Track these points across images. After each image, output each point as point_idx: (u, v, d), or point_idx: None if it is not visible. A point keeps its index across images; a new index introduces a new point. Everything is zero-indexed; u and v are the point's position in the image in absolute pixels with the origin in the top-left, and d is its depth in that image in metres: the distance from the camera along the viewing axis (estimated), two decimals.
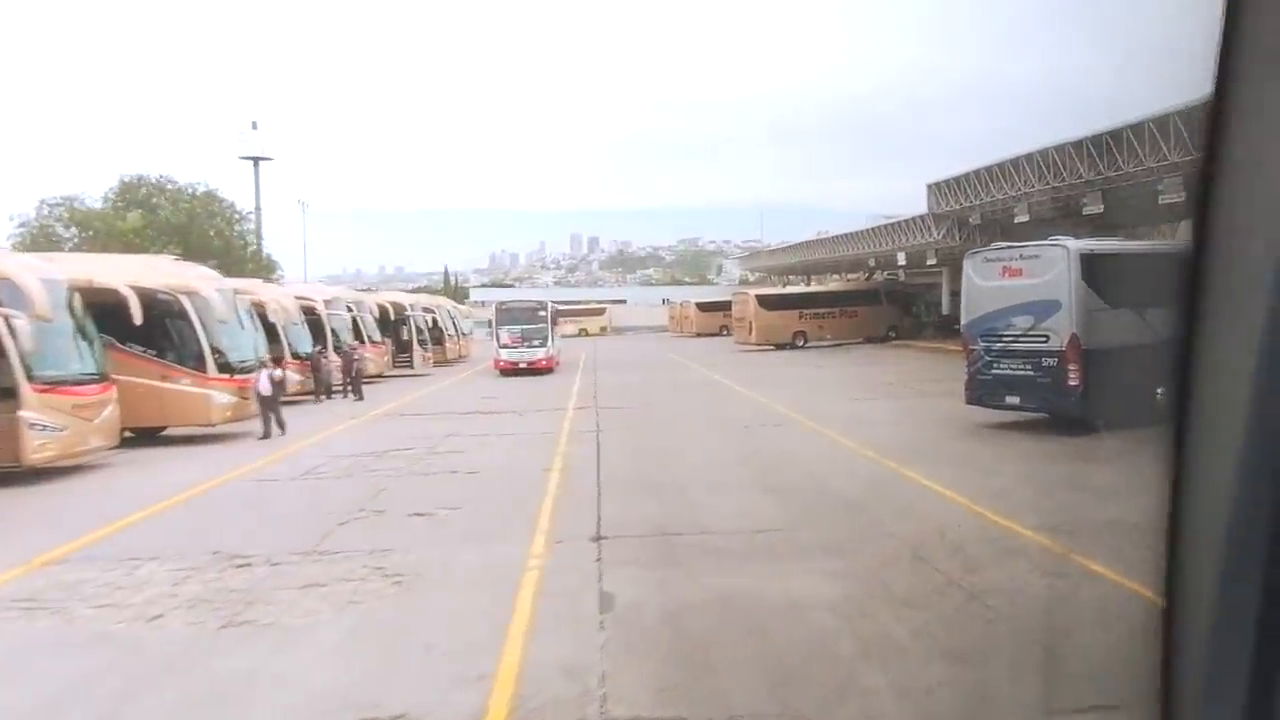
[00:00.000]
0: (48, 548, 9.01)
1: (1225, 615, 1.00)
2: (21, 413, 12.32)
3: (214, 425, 16.41)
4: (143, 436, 16.89)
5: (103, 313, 15.12)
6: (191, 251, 40.94)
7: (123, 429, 16.18)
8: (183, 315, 16.11)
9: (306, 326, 25.42)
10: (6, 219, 55.12)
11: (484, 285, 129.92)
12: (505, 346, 32.91)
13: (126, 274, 16.08)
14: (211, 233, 43.03)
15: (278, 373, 16.25)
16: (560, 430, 17.15)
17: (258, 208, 71.53)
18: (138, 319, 15.04)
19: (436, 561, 8.22)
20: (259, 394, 16.51)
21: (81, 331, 14.12)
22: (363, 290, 42.51)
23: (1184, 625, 1.13)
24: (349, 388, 25.30)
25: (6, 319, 11.39)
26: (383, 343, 32.36)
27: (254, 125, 78.25)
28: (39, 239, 39.57)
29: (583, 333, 78.43)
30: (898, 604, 6.73)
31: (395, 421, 19.65)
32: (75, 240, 40.31)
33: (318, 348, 25.00)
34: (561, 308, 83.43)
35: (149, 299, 15.85)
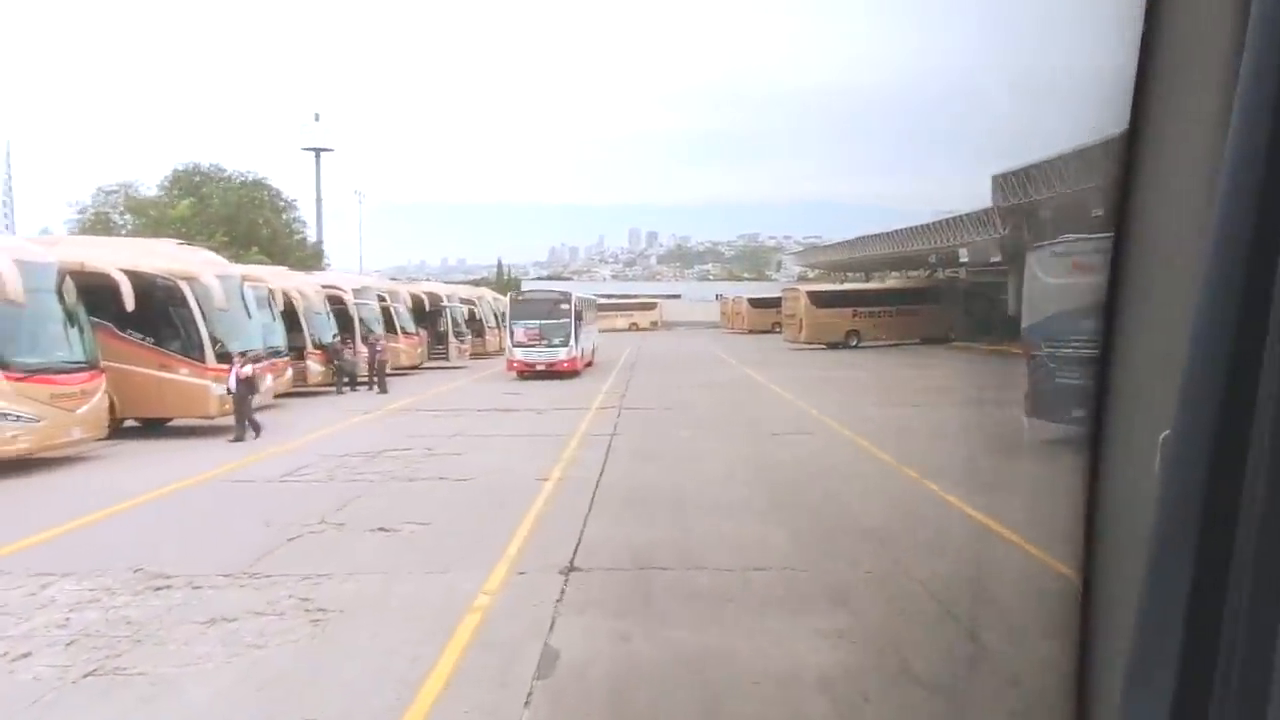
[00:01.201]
0: None
1: (1150, 608, 0.96)
2: None
3: (213, 418, 15.67)
4: (148, 427, 16.29)
5: (101, 298, 14.50)
6: (238, 239, 41.10)
7: (123, 419, 15.65)
8: (182, 302, 15.38)
9: (332, 316, 24.75)
10: (65, 205, 56.34)
11: (542, 278, 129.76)
12: (520, 344, 27.90)
13: (125, 258, 15.42)
14: (260, 221, 43.02)
15: (247, 369, 15.09)
16: (574, 432, 15.97)
17: (318, 199, 72.36)
18: (129, 304, 14.33)
19: (372, 593, 7.10)
20: (228, 390, 15.37)
21: (69, 317, 13.44)
22: (418, 281, 42.19)
23: (1104, 618, 1.21)
24: (374, 380, 24.56)
25: None
26: (416, 334, 31.66)
27: (316, 117, 79.42)
28: (95, 225, 40.04)
29: (633, 327, 77.38)
30: (913, 684, 5.35)
31: (406, 418, 18.73)
32: (130, 227, 40.66)
33: (337, 337, 24.28)
34: (612, 301, 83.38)
35: (147, 284, 15.18)
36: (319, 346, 23.50)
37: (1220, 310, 0.88)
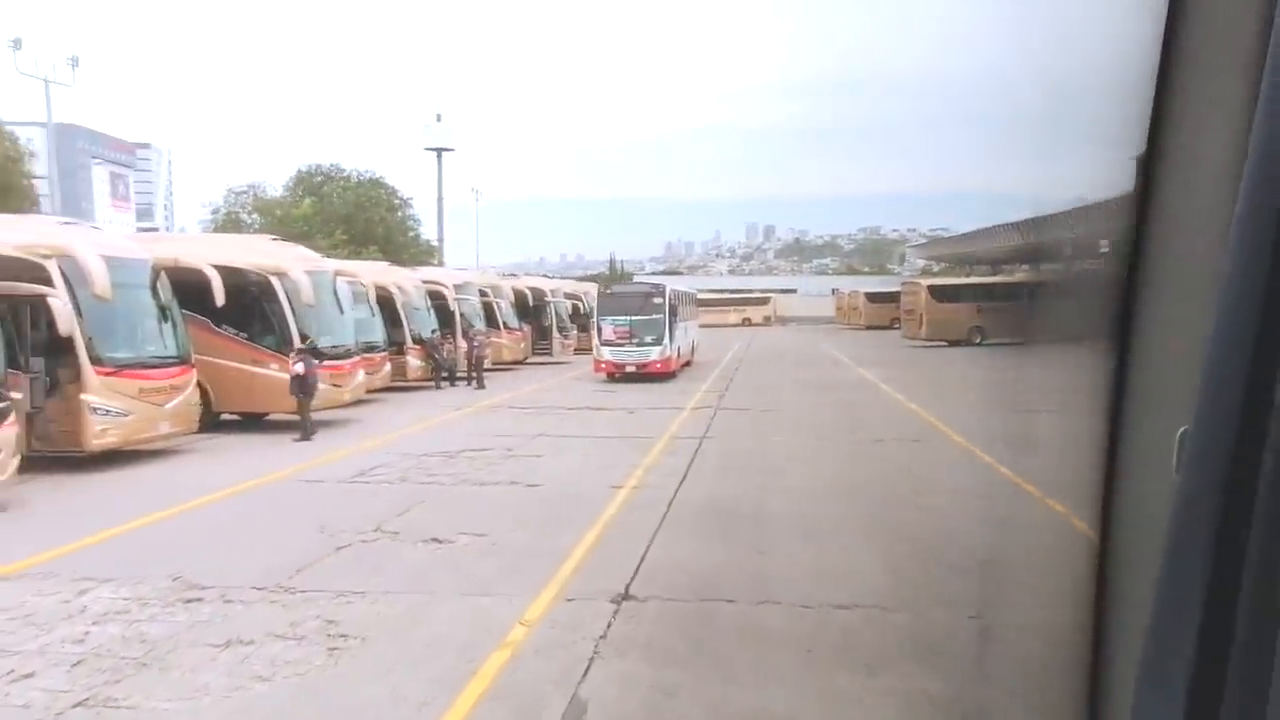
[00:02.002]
0: (23, 555, 8.07)
1: (1165, 603, 0.96)
2: (83, 396, 11.80)
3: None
4: (247, 421, 16.51)
5: (198, 294, 14.68)
6: (356, 237, 42.38)
7: (220, 413, 15.87)
8: (272, 297, 15.43)
9: (432, 311, 24.79)
10: (200, 206, 59.60)
11: (657, 273, 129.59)
12: (608, 343, 25.25)
13: (219, 253, 15.60)
14: (376, 219, 44.22)
15: (299, 366, 14.82)
16: (662, 434, 15.10)
17: (439, 197, 74.39)
18: (219, 299, 14.42)
19: (401, 619, 6.44)
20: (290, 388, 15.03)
21: (161, 312, 13.59)
22: (541, 277, 42.33)
23: (1118, 624, 1.24)
24: (472, 375, 24.46)
25: (43, 298, 10.79)
26: (520, 329, 31.56)
27: (438, 118, 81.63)
28: (226, 225, 42.13)
29: (746, 322, 75.90)
30: None
31: (495, 416, 18.33)
32: (257, 226, 42.56)
33: (435, 333, 24.26)
34: (724, 296, 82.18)
35: (238, 279, 15.29)
36: (418, 341, 23.53)
37: (1239, 308, 0.88)
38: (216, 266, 14.67)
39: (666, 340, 25.08)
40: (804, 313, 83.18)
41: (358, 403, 18.92)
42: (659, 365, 24.89)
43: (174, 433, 13.34)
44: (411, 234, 48.29)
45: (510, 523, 9.23)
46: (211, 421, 15.59)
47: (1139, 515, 1.19)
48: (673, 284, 29.25)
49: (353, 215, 42.83)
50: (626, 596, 6.84)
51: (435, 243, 52.57)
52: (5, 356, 10.33)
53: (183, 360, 13.64)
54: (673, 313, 25.73)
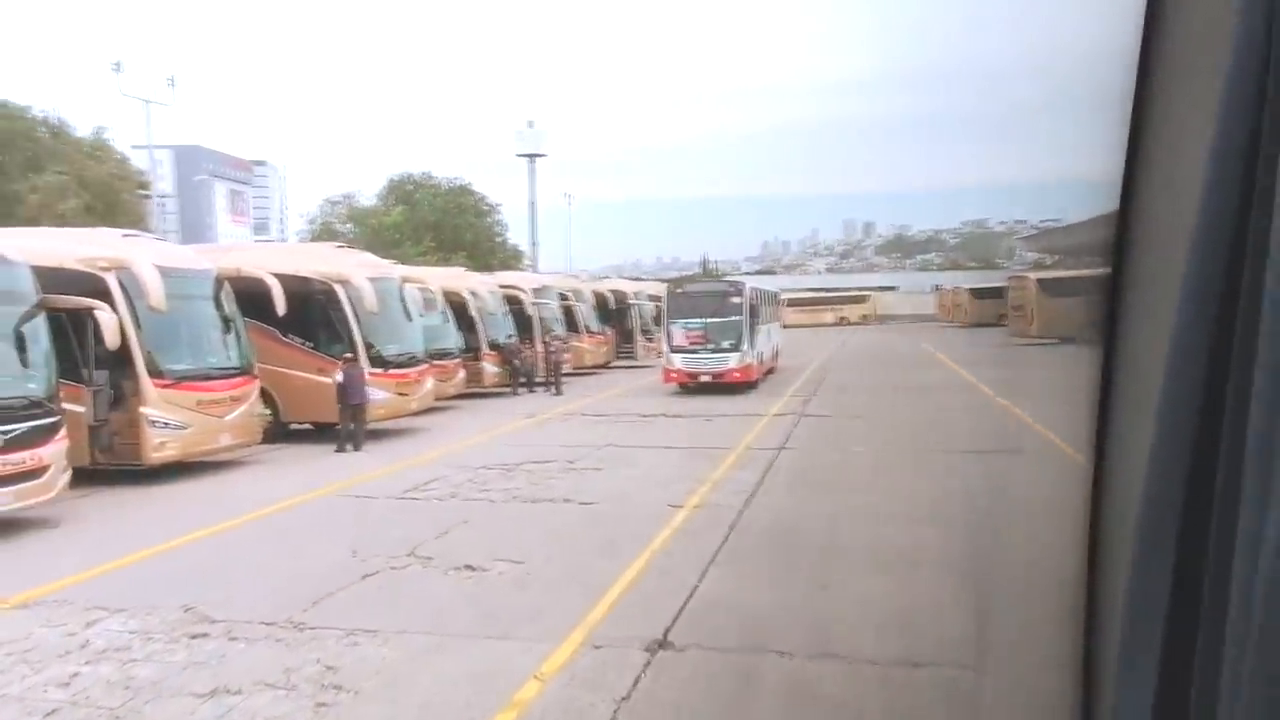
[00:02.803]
0: (52, 577, 7.81)
1: (1137, 601, 0.99)
2: (141, 409, 11.71)
3: (368, 424, 15.36)
4: (320, 430, 16.37)
5: (266, 304, 14.58)
6: (445, 243, 42.85)
7: (289, 423, 15.75)
8: (336, 305, 15.21)
9: (510, 316, 24.42)
10: (298, 217, 61.76)
11: (754, 272, 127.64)
12: (679, 349, 22.03)
13: (285, 262, 15.50)
14: (464, 225, 44.62)
15: (339, 375, 14.48)
16: (737, 444, 14.09)
17: (532, 202, 75.23)
18: (280, 307, 14.25)
19: (407, 664, 5.74)
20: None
21: (222, 322, 13.49)
22: (623, 279, 41.92)
23: (1102, 608, 1.23)
24: (550, 381, 23.98)
25: (90, 310, 10.68)
26: (602, 333, 30.97)
27: (530, 124, 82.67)
28: (321, 235, 43.28)
29: (842, 321, 73.51)
30: None
31: (566, 424, 17.69)
32: (350, 235, 43.56)
33: (512, 338, 23.85)
34: (819, 295, 79.79)
35: (303, 288, 15.14)
36: (494, 347, 23.19)
37: (1199, 306, 0.91)
38: (279, 275, 14.51)
39: (746, 345, 21.86)
40: (905, 311, 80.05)
41: (431, 410, 18.66)
42: (738, 374, 21.69)
43: (235, 444, 13.19)
44: (499, 239, 48.58)
45: (553, 548, 8.47)
46: (281, 432, 15.51)
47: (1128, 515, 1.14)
48: (754, 282, 26.86)
49: (441, 222, 43.32)
50: (663, 644, 5.95)
51: (523, 248, 52.83)
52: (57, 369, 10.23)
53: (244, 371, 13.49)
54: (753, 314, 22.66)
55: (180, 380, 12.20)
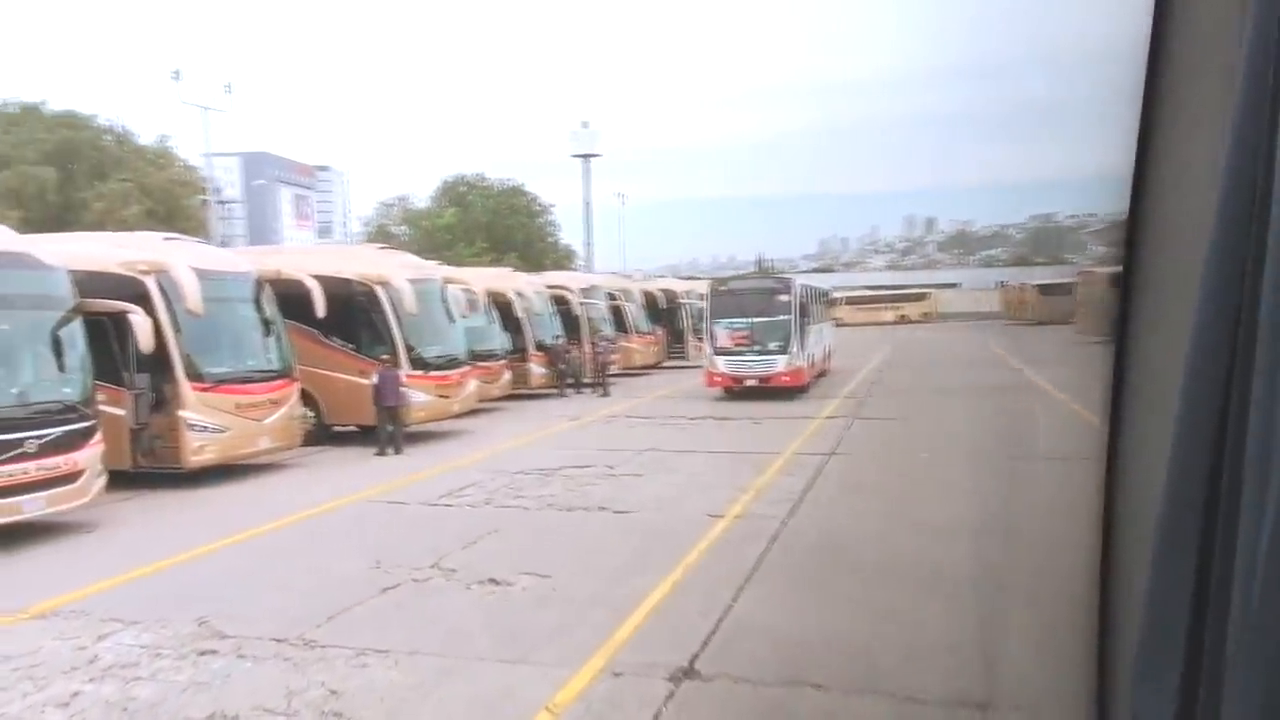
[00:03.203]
0: (74, 586, 7.69)
1: (1157, 603, 0.97)
2: (180, 412, 11.68)
3: (407, 426, 15.19)
4: (365, 433, 16.27)
5: (308, 305, 14.52)
6: (496, 244, 42.93)
7: (332, 425, 15.67)
8: (376, 306, 15.06)
9: (557, 317, 24.16)
10: (358, 219, 62.68)
11: (811, 270, 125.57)
12: (722, 351, 20.69)
13: (325, 264, 15.42)
14: (516, 226, 44.65)
15: (374, 377, 14.28)
16: (785, 449, 13.51)
17: (587, 203, 75.40)
18: (319, 309, 14.14)
19: (413, 690, 5.38)
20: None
21: (262, 325, 13.43)
22: (682, 279, 41.43)
23: (1117, 612, 1.24)
24: (598, 382, 23.64)
25: (124, 313, 10.63)
26: (652, 333, 30.53)
27: (584, 124, 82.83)
28: (375, 237, 43.79)
29: (902, 320, 71.76)
30: None
31: (609, 427, 17.29)
32: (404, 237, 43.98)
33: (559, 339, 23.55)
34: (877, 293, 78.03)
35: (343, 289, 15.03)
36: (540, 348, 22.93)
37: (1219, 306, 0.88)
38: (319, 277, 14.42)
39: (795, 346, 20.29)
40: (967, 308, 77.70)
41: (475, 412, 18.48)
42: (786, 377, 20.20)
43: (275, 448, 13.10)
44: (551, 239, 48.53)
45: (582, 561, 8.06)
46: (324, 434, 15.44)
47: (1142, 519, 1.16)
48: (804, 279, 26.33)
49: (493, 223, 43.43)
50: (689, 673, 5.47)
51: (575, 248, 52.75)
52: (96, 373, 10.20)
53: (284, 374, 13.40)
54: (802, 312, 21.06)
55: (219, 383, 12.14)
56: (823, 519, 9.37)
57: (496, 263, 38.61)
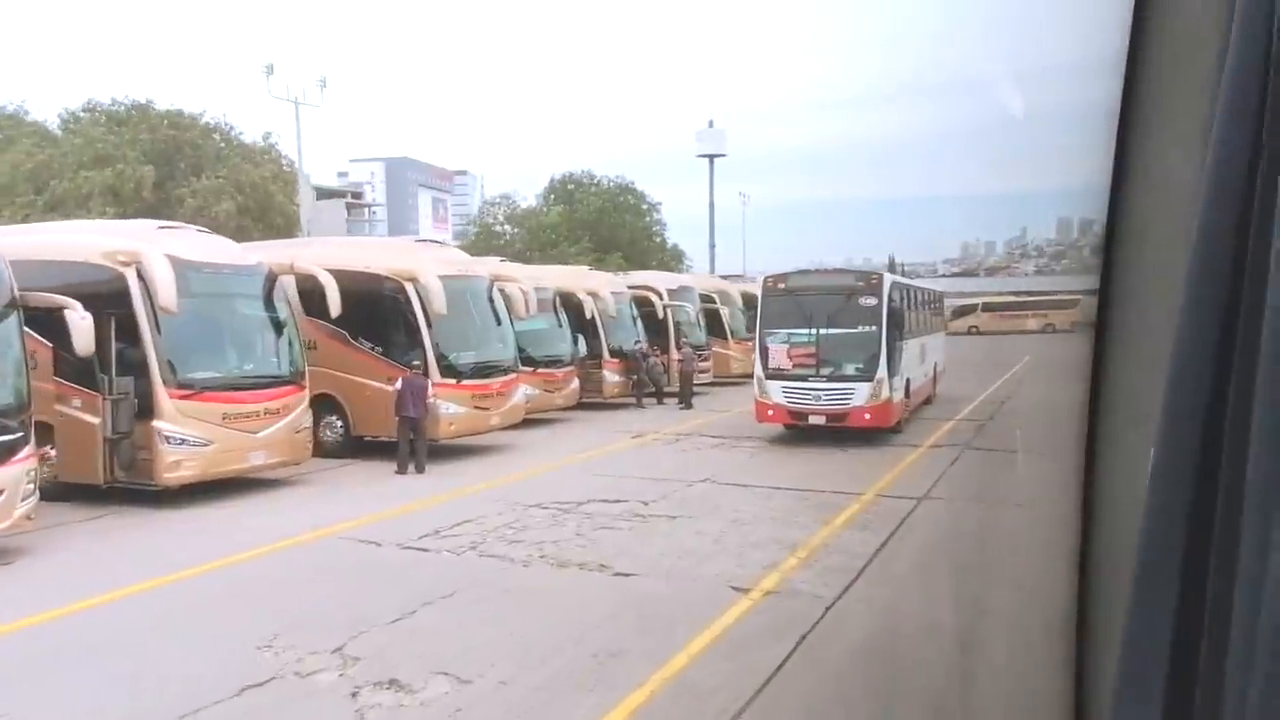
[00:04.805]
0: None
1: (1138, 619, 0.95)
2: (154, 423, 10.32)
3: (439, 440, 13.47)
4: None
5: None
6: (601, 244, 41.32)
7: (362, 436, 14.16)
8: (405, 304, 13.40)
9: (639, 321, 22.08)
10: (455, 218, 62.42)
11: (952, 275, 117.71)
12: (777, 374, 14.79)
13: (352, 257, 13.97)
14: (621, 224, 42.94)
15: (398, 383, 12.60)
16: (866, 489, 10.89)
17: (710, 203, 73.44)
18: (335, 308, 12.62)
19: None
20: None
21: (272, 325, 12.01)
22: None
23: (1097, 629, 1.24)
24: (681, 392, 21.37)
25: (62, 309, 9.24)
26: (751, 338, 27.90)
27: (710, 123, 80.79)
28: (479, 236, 43.14)
29: (1048, 328, 65.47)
30: None
31: (671, 449, 15.00)
32: (509, 235, 43.12)
33: (638, 345, 21.42)
34: (1021, 299, 71.43)
35: (369, 286, 13.50)
36: (617, 354, 20.89)
37: (1201, 320, 0.88)
38: (341, 271, 12.93)
39: (881, 369, 14.10)
40: None
41: (533, 423, 16.72)
42: (868, 415, 14.12)
43: (275, 463, 11.61)
44: (658, 239, 46.52)
45: (532, 655, 5.89)
46: (351, 446, 13.94)
47: (1118, 521, 1.22)
48: (926, 281, 20.94)
49: (599, 221, 41.88)
50: None
51: (683, 248, 50.63)
52: (26, 376, 8.88)
53: (288, 380, 11.90)
54: (895, 321, 14.83)
55: (203, 390, 10.72)
56: (887, 603, 6.85)
57: (600, 262, 37.00)
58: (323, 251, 14.61)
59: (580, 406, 19.77)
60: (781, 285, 15.42)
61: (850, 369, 14.49)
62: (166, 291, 10.11)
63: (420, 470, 12.79)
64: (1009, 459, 12.87)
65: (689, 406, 20.74)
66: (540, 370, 17.69)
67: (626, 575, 7.61)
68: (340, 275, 13.07)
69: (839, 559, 7.92)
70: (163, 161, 28.20)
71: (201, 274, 11.03)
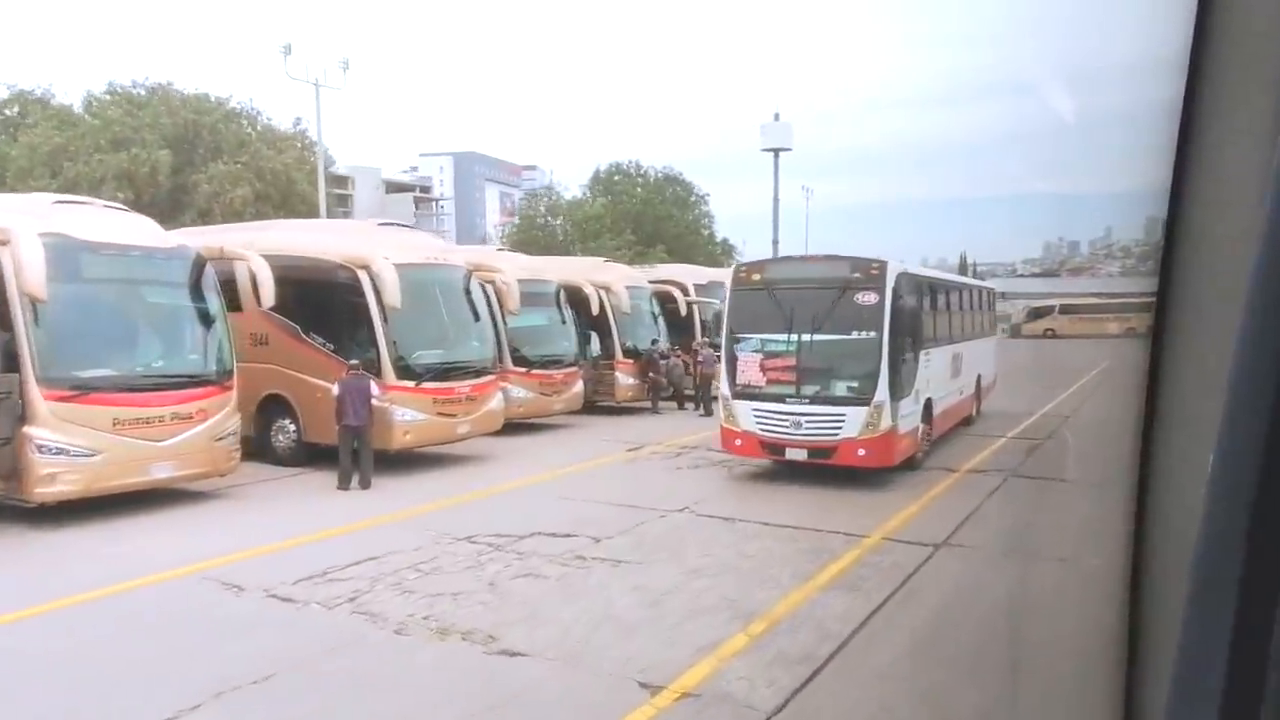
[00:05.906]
0: None
1: (1195, 624, 0.90)
2: (26, 429, 8.87)
3: (391, 450, 11.78)
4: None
5: (289, 294, 11.58)
6: (645, 237, 39.39)
7: (314, 443, 12.56)
8: (359, 296, 11.74)
9: (659, 318, 20.14)
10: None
11: (1028, 275, 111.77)
12: (748, 392, 11.31)
13: (307, 242, 12.40)
14: (665, 217, 40.89)
15: (335, 388, 11.10)
16: (871, 530, 8.77)
17: (775, 198, 71.04)
18: (266, 297, 11.02)
19: None
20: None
21: (194, 315, 10.50)
22: None
23: (1151, 634, 1.18)
24: (700, 397, 19.34)
25: None
26: None
27: (776, 116, 78.14)
28: (521, 228, 41.69)
29: (1129, 332, 60.78)
30: None
31: (662, 466, 13.02)
32: (547, 228, 41.54)
33: (656, 344, 19.46)
34: (1100, 301, 66.67)
35: (319, 276, 11.92)
36: (631, 355, 18.98)
37: (1266, 324, 0.85)
38: (280, 256, 11.36)
39: (883, 389, 10.59)
40: None
41: (525, 428, 15.04)
42: (861, 450, 10.64)
43: (186, 475, 10.08)
44: (705, 233, 44.29)
45: None
46: (304, 453, 12.37)
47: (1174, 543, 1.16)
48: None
49: (642, 213, 39.95)
50: None
51: (734, 242, 48.33)
52: None
53: (212, 380, 10.35)
54: (904, 326, 11.07)
55: (90, 391, 9.23)
56: (857, 709, 4.79)
57: (641, 256, 35.09)
58: (279, 236, 13.06)
59: (590, 410, 17.98)
60: (755, 277, 11.67)
61: (840, 388, 10.90)
62: (34, 274, 8.62)
63: (365, 486, 11.14)
64: (1060, 490, 10.49)
65: (708, 413, 18.67)
66: (535, 371, 15.93)
67: (512, 655, 5.72)
68: (286, 262, 11.53)
69: (804, 639, 5.88)
70: (182, 145, 27.39)
71: (98, 256, 9.56)
